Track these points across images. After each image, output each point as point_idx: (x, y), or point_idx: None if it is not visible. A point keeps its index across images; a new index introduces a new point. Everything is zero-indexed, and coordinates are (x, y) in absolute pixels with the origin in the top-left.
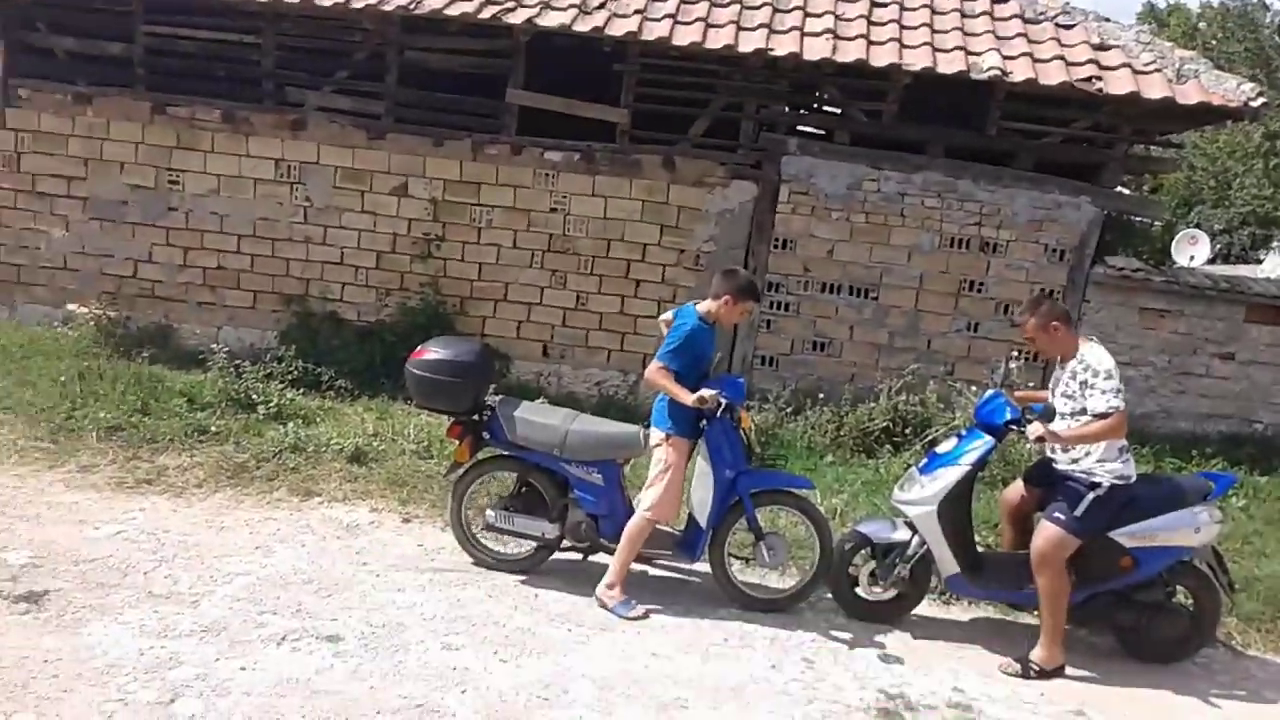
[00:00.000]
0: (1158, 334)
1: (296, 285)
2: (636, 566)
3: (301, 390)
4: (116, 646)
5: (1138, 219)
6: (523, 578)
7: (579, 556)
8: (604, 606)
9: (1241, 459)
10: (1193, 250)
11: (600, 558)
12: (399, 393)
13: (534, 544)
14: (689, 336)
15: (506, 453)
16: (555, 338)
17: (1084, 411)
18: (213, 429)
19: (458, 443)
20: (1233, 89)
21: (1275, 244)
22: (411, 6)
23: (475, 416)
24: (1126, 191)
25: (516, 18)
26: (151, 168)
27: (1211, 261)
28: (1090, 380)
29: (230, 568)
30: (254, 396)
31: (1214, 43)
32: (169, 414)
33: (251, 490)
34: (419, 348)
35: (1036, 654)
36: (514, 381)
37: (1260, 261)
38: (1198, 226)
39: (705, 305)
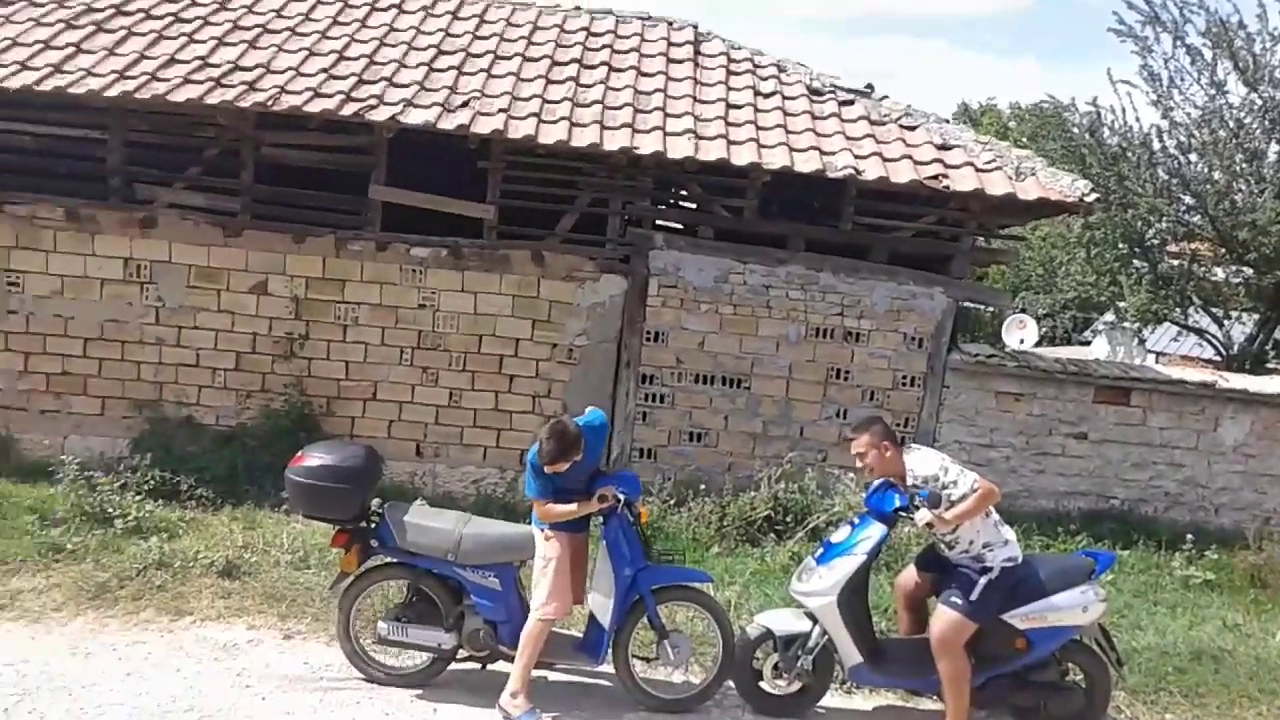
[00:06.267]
0: (1014, 416)
1: (149, 389)
2: (537, 672)
3: (160, 501)
4: None
5: (983, 307)
6: (419, 692)
7: (477, 666)
8: (508, 717)
9: (1103, 534)
10: (1021, 333)
11: (500, 665)
12: (265, 500)
13: (430, 655)
14: (535, 471)
15: (396, 560)
16: (428, 436)
17: (954, 506)
18: (68, 547)
19: (343, 552)
20: (1068, 185)
21: (1100, 327)
22: (269, 103)
23: (362, 523)
24: (974, 282)
25: (380, 115)
26: None
27: (1038, 344)
28: (935, 485)
29: (101, 699)
30: (110, 510)
31: (1024, 142)
32: (19, 532)
33: (116, 612)
34: (299, 454)
35: None
36: (387, 483)
37: (1088, 343)
38: (1023, 311)
39: None
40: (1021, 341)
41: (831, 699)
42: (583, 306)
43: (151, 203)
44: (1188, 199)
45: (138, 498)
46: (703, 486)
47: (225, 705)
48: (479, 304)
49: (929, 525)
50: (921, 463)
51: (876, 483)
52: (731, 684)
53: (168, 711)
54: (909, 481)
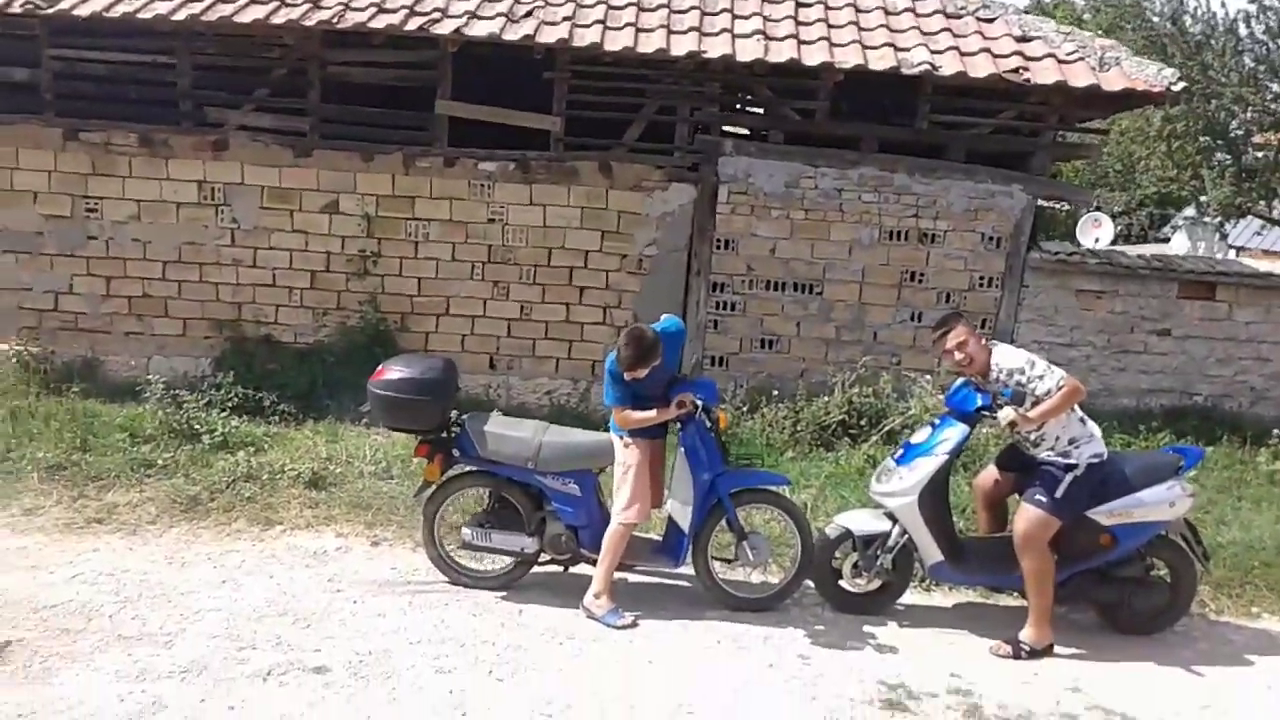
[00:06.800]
0: (1095, 314)
1: (228, 310)
2: (618, 574)
3: (244, 417)
4: (93, 695)
5: (1058, 205)
6: (503, 594)
7: (559, 569)
8: (592, 617)
9: (1186, 430)
10: (1096, 232)
11: (581, 569)
12: (344, 414)
13: (512, 559)
14: (614, 379)
15: (478, 469)
16: (501, 349)
17: (1037, 403)
18: (159, 462)
19: (427, 462)
20: (1154, 74)
21: (1180, 222)
22: (334, 20)
23: (443, 434)
24: (1054, 179)
25: (444, 28)
26: (67, 196)
27: (1114, 242)
28: (1021, 378)
29: (199, 604)
30: (196, 426)
31: (1100, 34)
32: (111, 449)
33: (208, 523)
34: (380, 367)
35: (1026, 634)
36: (462, 395)
37: (1167, 240)
38: (1098, 209)
39: None
40: (1097, 240)
41: (911, 596)
42: (652, 216)
43: (222, 125)
44: (1275, 87)
45: (222, 414)
46: (775, 393)
47: (318, 609)
48: (548, 216)
49: (1011, 425)
50: (1007, 356)
51: (958, 383)
52: (810, 583)
53: (263, 615)
54: (993, 375)
